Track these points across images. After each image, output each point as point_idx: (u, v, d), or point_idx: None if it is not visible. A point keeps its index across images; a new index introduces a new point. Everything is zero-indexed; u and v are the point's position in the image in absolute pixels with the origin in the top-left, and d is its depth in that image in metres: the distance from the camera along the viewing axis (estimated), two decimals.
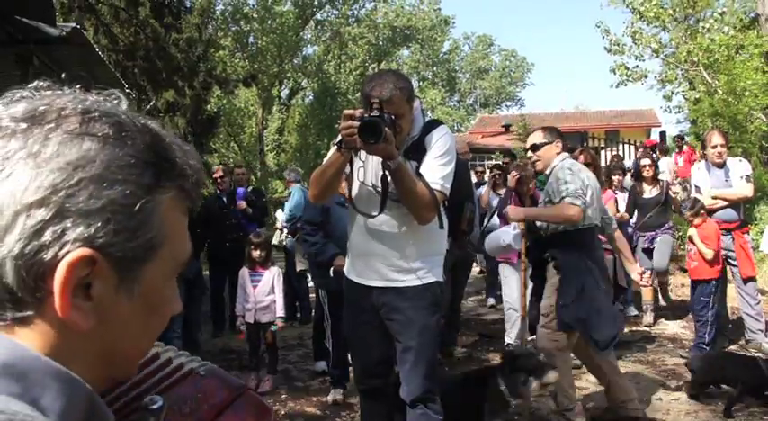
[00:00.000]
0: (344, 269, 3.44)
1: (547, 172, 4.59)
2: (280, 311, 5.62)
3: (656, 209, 7.39)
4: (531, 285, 4.95)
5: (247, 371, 5.81)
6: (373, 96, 2.92)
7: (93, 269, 0.68)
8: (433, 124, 3.25)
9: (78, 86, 0.78)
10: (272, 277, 5.63)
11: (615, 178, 8.12)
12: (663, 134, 20.63)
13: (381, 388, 3.49)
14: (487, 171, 10.13)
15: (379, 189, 3.09)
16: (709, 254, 5.96)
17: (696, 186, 6.56)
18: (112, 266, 0.69)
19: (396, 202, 3.09)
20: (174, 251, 0.77)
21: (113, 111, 0.74)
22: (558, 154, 4.52)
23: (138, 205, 0.70)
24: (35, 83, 0.76)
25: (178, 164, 0.77)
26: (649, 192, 7.56)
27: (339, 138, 2.97)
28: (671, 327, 7.41)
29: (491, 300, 8.79)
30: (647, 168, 7.58)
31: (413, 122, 3.17)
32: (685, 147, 15.56)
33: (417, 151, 3.15)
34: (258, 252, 5.68)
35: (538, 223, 4.63)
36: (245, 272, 5.72)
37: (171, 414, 0.80)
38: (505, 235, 4.77)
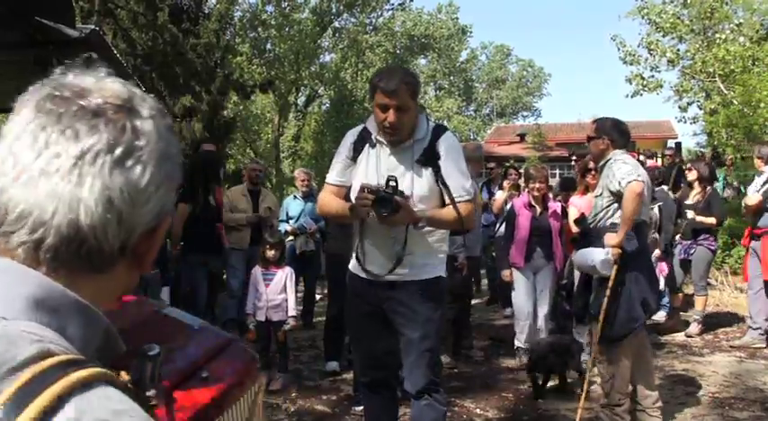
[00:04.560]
0: (350, 264, 3.50)
1: (599, 163, 4.60)
2: (292, 310, 5.67)
3: (691, 215, 7.30)
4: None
5: None
6: (380, 87, 3.10)
7: None
8: (440, 129, 3.38)
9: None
10: (285, 276, 5.69)
11: None
12: (678, 145, 20.61)
13: (384, 380, 3.54)
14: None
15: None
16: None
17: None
18: None
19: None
20: None
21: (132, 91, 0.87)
22: (603, 150, 4.47)
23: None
24: (59, 71, 0.85)
25: None
26: (692, 197, 7.48)
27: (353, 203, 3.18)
28: (681, 335, 7.40)
29: (508, 310, 8.00)
30: (689, 172, 7.53)
31: (417, 125, 3.27)
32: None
33: (431, 157, 3.26)
34: (273, 252, 5.75)
35: (590, 218, 4.63)
36: (257, 270, 5.79)
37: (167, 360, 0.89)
38: (597, 255, 4.38)
